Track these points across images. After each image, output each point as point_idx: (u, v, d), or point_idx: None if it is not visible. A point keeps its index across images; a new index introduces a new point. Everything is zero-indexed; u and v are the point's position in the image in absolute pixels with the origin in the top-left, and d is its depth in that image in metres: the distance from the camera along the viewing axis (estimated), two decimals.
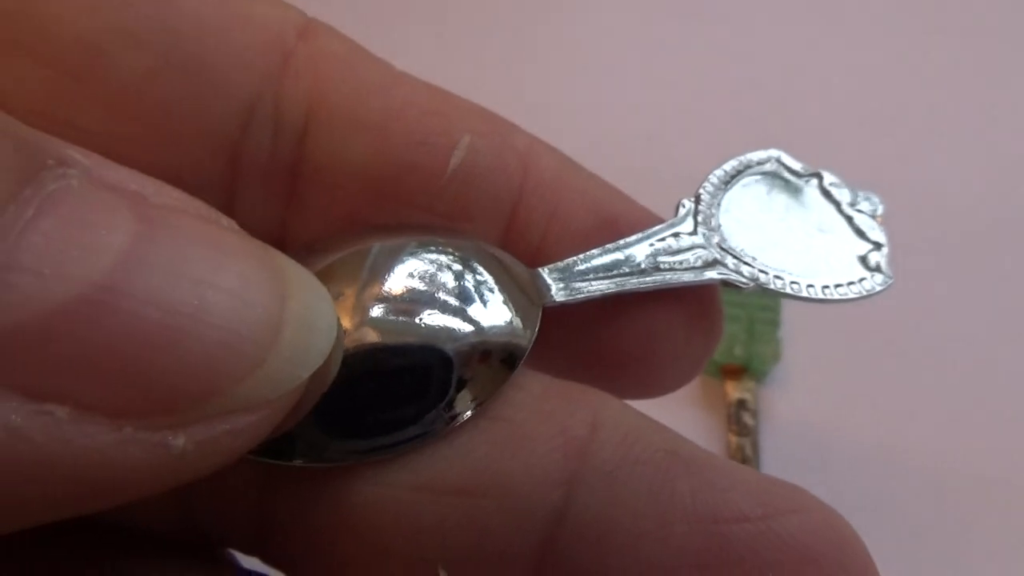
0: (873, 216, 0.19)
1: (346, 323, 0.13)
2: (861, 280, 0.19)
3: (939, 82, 0.37)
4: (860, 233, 0.19)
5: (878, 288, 0.19)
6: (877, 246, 0.19)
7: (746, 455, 0.28)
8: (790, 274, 0.18)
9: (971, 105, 0.36)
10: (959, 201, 0.33)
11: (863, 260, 0.19)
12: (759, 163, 0.20)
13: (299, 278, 0.12)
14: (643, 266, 0.17)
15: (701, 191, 0.19)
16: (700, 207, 0.18)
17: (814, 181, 0.20)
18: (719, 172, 0.19)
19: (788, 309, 0.30)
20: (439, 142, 0.15)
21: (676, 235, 0.18)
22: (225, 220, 0.12)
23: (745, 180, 0.19)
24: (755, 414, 0.29)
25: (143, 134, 0.14)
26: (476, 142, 0.16)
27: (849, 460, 0.29)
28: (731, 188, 0.19)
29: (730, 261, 0.18)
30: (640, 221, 0.17)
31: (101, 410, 0.10)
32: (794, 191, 0.20)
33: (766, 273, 0.18)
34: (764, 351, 0.29)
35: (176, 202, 0.11)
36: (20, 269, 0.09)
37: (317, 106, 0.15)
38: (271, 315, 0.11)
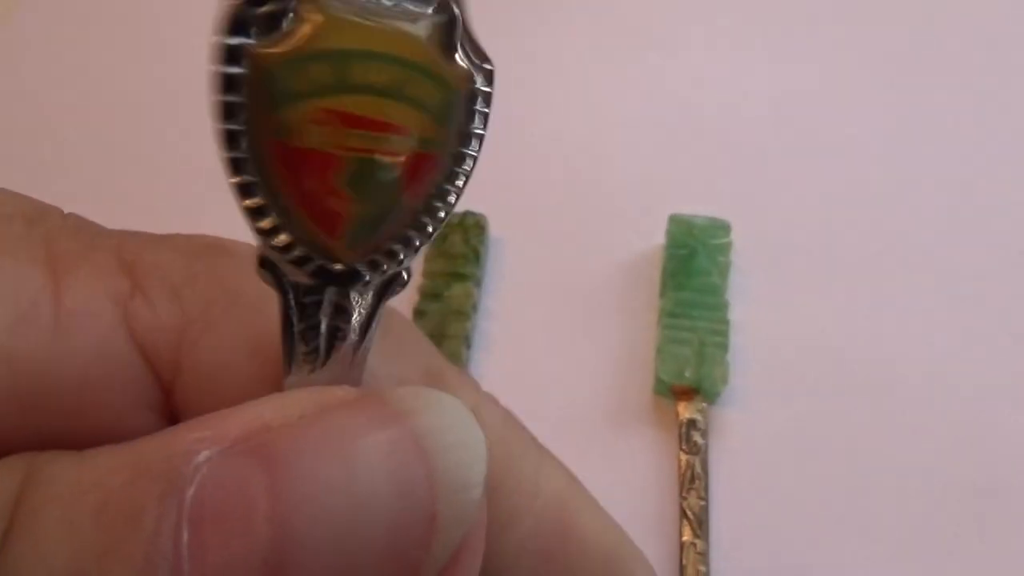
0: None
1: None
2: None
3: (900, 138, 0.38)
4: None
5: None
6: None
7: (696, 473, 0.29)
8: None
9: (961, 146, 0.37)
10: (917, 228, 0.35)
11: None
12: None
13: (435, 434, 0.12)
14: None
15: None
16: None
17: None
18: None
19: (738, 334, 0.32)
20: None
21: None
22: None
23: None
24: (705, 433, 0.30)
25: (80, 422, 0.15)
26: None
27: (796, 479, 0.30)
28: None
29: None
30: None
31: None
32: None
33: None
34: (714, 373, 0.30)
35: None
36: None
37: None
38: (422, 486, 0.12)
